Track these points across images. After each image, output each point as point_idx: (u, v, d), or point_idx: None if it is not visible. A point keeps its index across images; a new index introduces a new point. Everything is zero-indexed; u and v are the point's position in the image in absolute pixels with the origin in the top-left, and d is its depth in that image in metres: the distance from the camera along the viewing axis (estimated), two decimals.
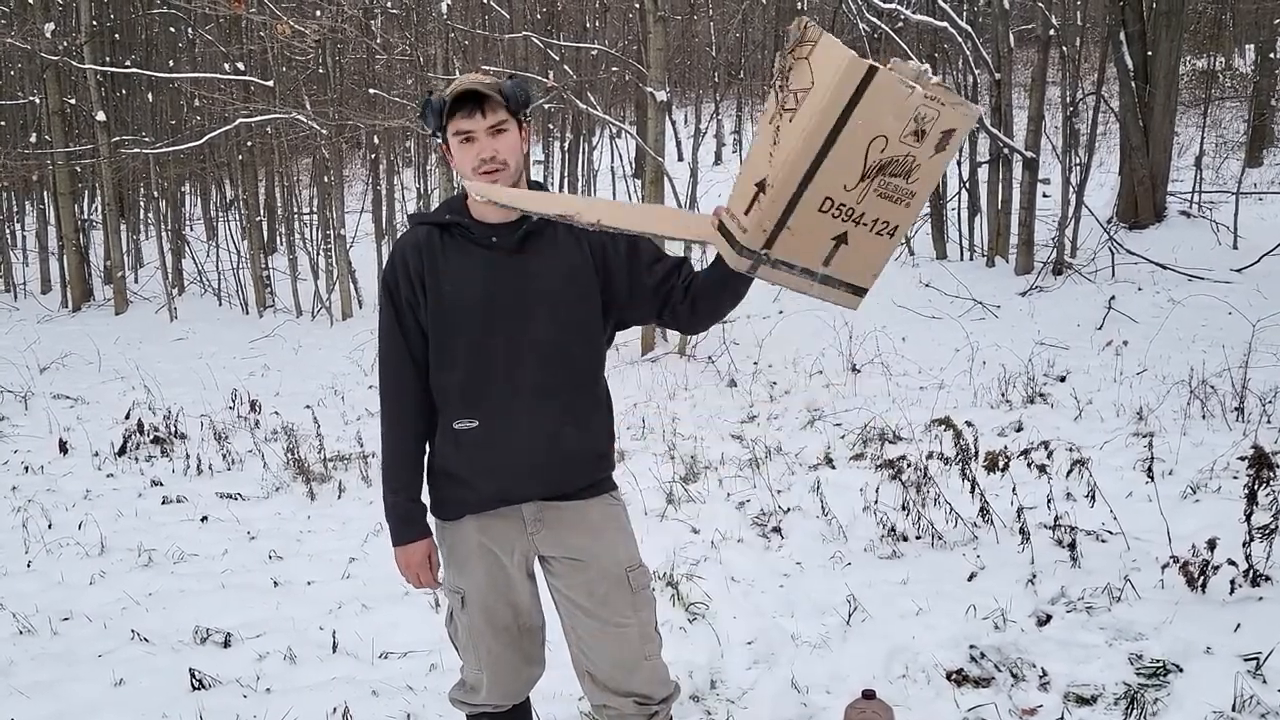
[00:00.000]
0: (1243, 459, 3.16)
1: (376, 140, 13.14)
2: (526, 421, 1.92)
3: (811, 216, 1.61)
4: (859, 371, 6.88)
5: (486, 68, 9.98)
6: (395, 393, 2.01)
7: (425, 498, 2.06)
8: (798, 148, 1.55)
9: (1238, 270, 8.16)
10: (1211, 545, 3.05)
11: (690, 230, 1.83)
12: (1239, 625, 2.87)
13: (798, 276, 1.69)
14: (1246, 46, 18.49)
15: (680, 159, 17.70)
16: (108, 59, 13.84)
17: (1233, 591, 3.05)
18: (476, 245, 1.95)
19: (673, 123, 18.03)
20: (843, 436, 5.46)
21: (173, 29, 15.18)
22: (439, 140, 1.94)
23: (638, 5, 9.53)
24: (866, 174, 1.58)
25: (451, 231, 1.97)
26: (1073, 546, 3.45)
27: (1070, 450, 3.80)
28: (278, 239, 14.69)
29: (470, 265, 1.94)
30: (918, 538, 3.81)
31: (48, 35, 12.13)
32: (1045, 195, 10.83)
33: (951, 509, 3.83)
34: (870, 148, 1.56)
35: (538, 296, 1.92)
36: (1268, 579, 3.07)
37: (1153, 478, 3.69)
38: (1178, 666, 2.75)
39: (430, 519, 2.06)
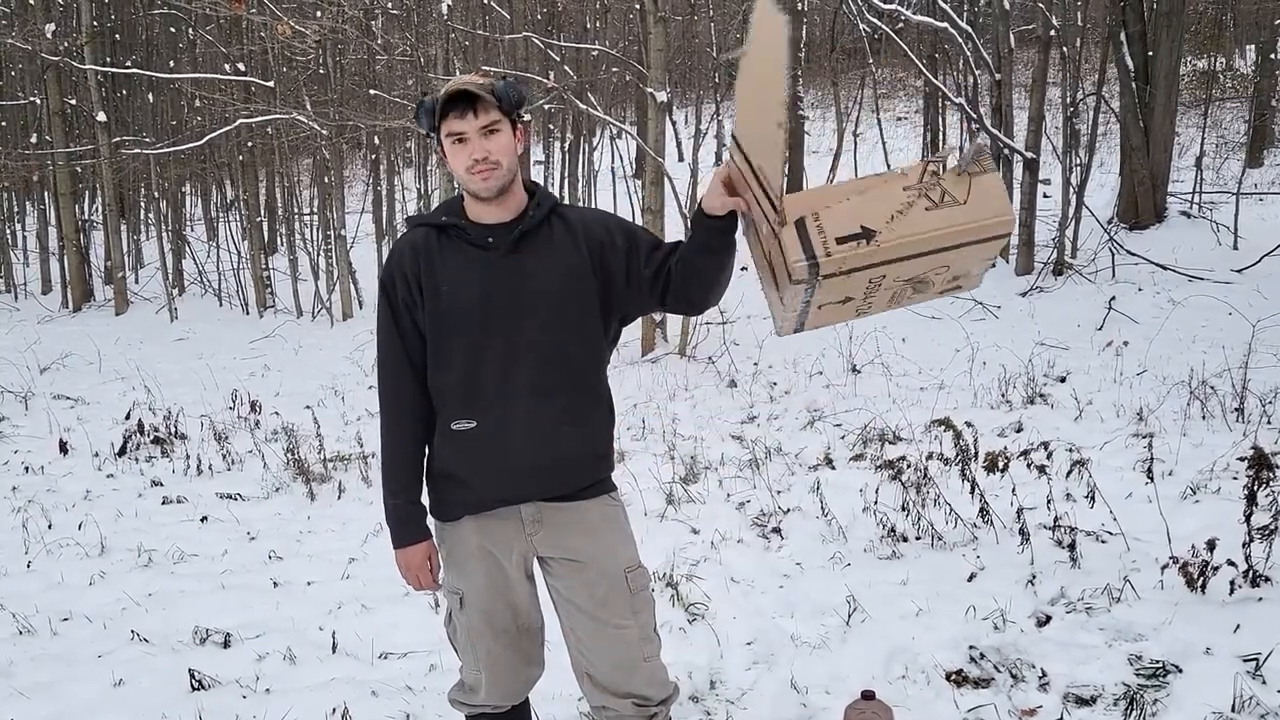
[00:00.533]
0: (1242, 460, 3.15)
1: (377, 141, 13.16)
2: (524, 421, 1.92)
3: (866, 278, 1.76)
4: (859, 372, 6.88)
5: (487, 68, 9.98)
6: (394, 395, 2.01)
7: (425, 499, 2.06)
8: (920, 238, 1.71)
9: (1238, 271, 8.16)
10: (1211, 546, 3.05)
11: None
12: (1238, 626, 2.87)
13: (791, 294, 1.78)
14: (1247, 47, 18.48)
15: (681, 159, 17.70)
16: (108, 59, 13.85)
17: (1232, 592, 3.05)
18: (473, 246, 1.95)
19: (673, 123, 18.03)
20: (843, 437, 5.46)
21: (173, 29, 15.18)
22: (436, 141, 1.94)
23: (638, 6, 9.53)
24: (912, 279, 1.78)
25: (448, 233, 1.97)
26: (1072, 547, 3.45)
27: (1070, 451, 3.80)
28: (278, 239, 14.71)
29: (467, 266, 1.94)
30: (917, 538, 3.81)
31: (48, 36, 12.14)
32: (1046, 196, 10.83)
33: (951, 510, 3.83)
34: (938, 268, 1.77)
35: (534, 296, 1.92)
36: (1267, 580, 3.07)
37: (1152, 478, 3.69)
38: (1177, 667, 2.75)
39: (430, 520, 2.06)
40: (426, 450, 2.04)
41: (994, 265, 1.99)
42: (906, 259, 1.73)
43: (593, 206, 10.48)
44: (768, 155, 1.70)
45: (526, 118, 1.99)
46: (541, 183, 13.05)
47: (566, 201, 11.84)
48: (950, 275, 1.81)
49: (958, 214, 1.71)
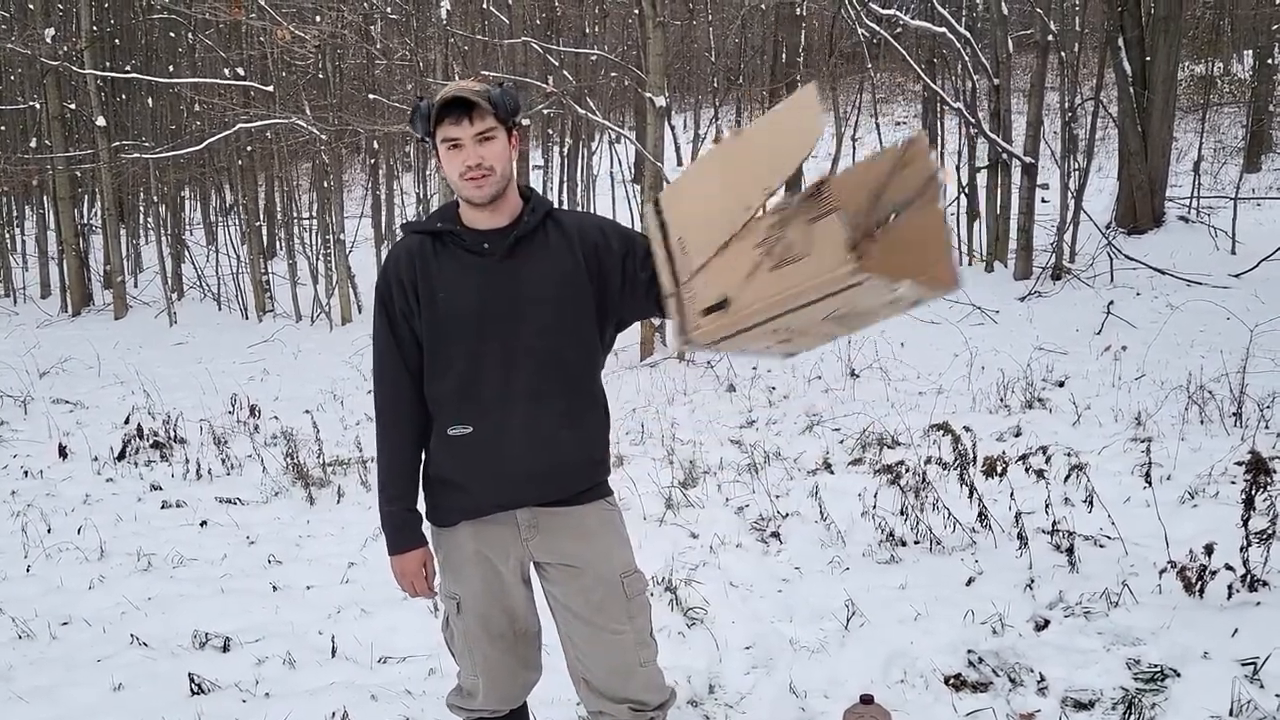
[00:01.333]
0: (1240, 464, 3.16)
1: (376, 145, 13.18)
2: (521, 427, 1.92)
3: (765, 334, 1.64)
4: (858, 377, 6.89)
5: (486, 73, 9.99)
6: (391, 402, 2.01)
7: (421, 505, 2.07)
8: (770, 302, 1.55)
9: (1236, 275, 8.18)
10: (1209, 550, 3.05)
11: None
12: (1236, 630, 2.87)
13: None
14: (1244, 52, 18.53)
15: (679, 164, 17.71)
16: (108, 64, 13.86)
17: (1230, 596, 3.05)
18: (469, 252, 1.95)
19: (672, 128, 18.03)
20: (841, 441, 5.47)
21: (172, 34, 15.20)
22: (432, 145, 1.94)
23: (637, 11, 9.55)
24: (820, 319, 1.60)
25: (444, 240, 1.97)
26: (1071, 551, 3.45)
27: (1068, 455, 3.81)
28: (277, 244, 14.72)
29: (463, 273, 1.94)
30: (916, 543, 3.81)
31: (48, 40, 12.16)
32: (1044, 200, 10.87)
33: (950, 514, 3.83)
34: (836, 312, 1.58)
35: (529, 302, 1.92)
36: (1265, 584, 3.07)
37: (1150, 483, 3.69)
38: (1175, 671, 2.75)
39: (426, 526, 2.06)
40: (422, 456, 2.05)
41: (952, 278, 1.76)
42: (780, 316, 1.58)
43: (590, 211, 10.50)
44: (705, 235, 1.61)
45: (525, 122, 1.99)
46: (541, 187, 13.04)
47: (565, 206, 11.86)
48: (862, 311, 1.62)
49: (799, 272, 1.52)
